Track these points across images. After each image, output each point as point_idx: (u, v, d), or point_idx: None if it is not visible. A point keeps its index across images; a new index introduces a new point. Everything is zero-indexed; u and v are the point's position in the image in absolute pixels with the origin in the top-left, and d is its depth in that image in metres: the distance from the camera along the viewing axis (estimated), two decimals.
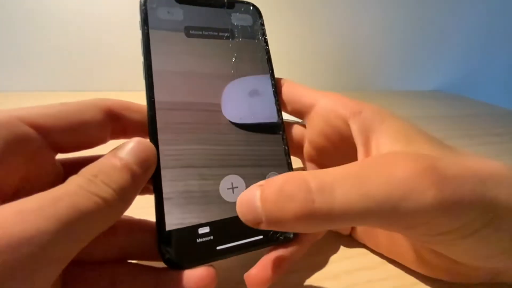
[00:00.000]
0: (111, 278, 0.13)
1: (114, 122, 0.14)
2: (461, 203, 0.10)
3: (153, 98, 0.14)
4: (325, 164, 0.18)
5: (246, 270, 0.14)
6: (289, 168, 0.16)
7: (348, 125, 0.15)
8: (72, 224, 0.09)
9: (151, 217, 0.13)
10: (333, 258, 0.18)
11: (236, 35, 0.17)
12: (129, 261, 0.14)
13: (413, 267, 0.17)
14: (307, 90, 0.18)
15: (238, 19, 0.17)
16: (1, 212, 0.09)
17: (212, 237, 0.14)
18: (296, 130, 0.19)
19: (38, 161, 0.12)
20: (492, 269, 0.15)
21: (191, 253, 0.13)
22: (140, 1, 0.15)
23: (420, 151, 0.12)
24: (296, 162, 0.17)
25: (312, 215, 0.10)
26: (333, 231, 0.20)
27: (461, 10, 0.65)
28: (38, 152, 0.12)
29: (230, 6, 0.18)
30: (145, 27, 0.15)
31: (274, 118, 0.17)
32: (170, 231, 0.13)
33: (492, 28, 0.69)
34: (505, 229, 0.11)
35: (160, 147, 0.14)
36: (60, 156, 0.13)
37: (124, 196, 0.11)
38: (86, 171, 0.11)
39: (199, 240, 0.13)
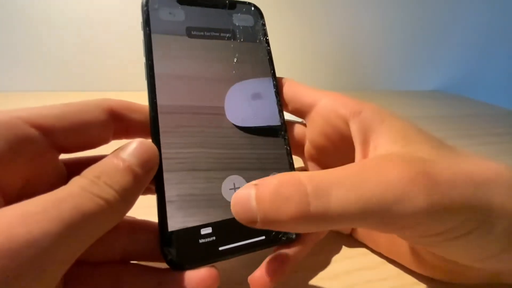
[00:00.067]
0: (113, 279, 0.13)
1: (117, 123, 0.14)
2: (450, 207, 0.10)
3: (155, 99, 0.14)
4: (325, 163, 0.18)
5: (248, 270, 0.15)
6: (291, 169, 0.16)
7: (348, 125, 0.15)
8: (76, 226, 0.09)
9: (154, 216, 0.13)
10: (333, 258, 0.19)
11: (238, 36, 0.17)
12: (131, 261, 0.14)
13: (412, 267, 0.17)
14: (308, 90, 0.18)
15: (239, 19, 0.18)
16: (4, 214, 0.09)
17: (214, 238, 0.14)
18: (297, 130, 0.19)
19: (41, 161, 0.12)
20: (491, 270, 0.15)
21: (194, 253, 0.13)
22: (142, 2, 0.15)
23: (418, 152, 0.12)
24: (297, 161, 0.17)
25: (307, 217, 0.10)
26: (334, 231, 0.20)
27: (461, 10, 0.65)
28: (41, 153, 0.12)
29: (232, 6, 0.18)
30: (147, 28, 0.15)
31: (275, 120, 0.17)
32: (172, 231, 0.13)
33: (492, 28, 0.69)
34: (499, 232, 0.11)
35: (162, 149, 0.14)
36: (63, 156, 0.14)
37: (127, 198, 0.11)
38: (88, 172, 0.11)
39: (201, 240, 0.13)
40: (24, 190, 0.12)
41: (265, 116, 0.17)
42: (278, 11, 0.52)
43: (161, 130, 0.14)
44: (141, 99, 0.16)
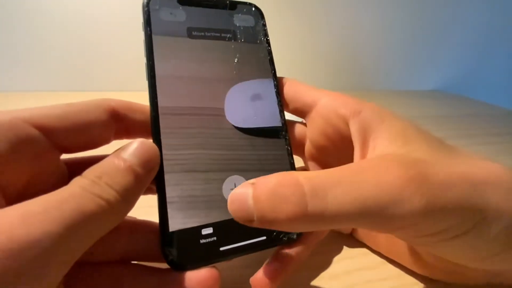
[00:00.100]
0: (114, 279, 0.13)
1: (118, 123, 0.14)
2: (445, 208, 0.11)
3: (156, 99, 0.14)
4: (326, 163, 0.18)
5: (249, 270, 0.15)
6: (292, 169, 0.16)
7: (348, 125, 0.15)
8: (77, 226, 0.09)
9: (154, 216, 0.14)
10: (334, 258, 0.19)
11: (238, 36, 0.17)
12: (132, 262, 0.14)
13: (411, 267, 0.17)
14: (308, 89, 0.18)
15: (240, 20, 0.18)
16: (6, 214, 0.09)
17: (215, 238, 0.14)
18: (298, 129, 0.19)
19: (43, 162, 0.12)
20: (490, 271, 0.15)
21: (194, 254, 0.13)
22: (143, 3, 0.15)
23: (416, 152, 0.12)
24: (297, 160, 0.17)
25: (304, 217, 0.10)
26: (334, 231, 0.20)
27: (461, 10, 0.65)
28: (43, 154, 0.12)
29: (232, 7, 0.18)
30: (148, 28, 0.15)
31: (276, 121, 0.17)
32: (173, 232, 0.13)
33: (492, 28, 0.69)
34: (495, 233, 0.11)
35: (163, 149, 0.14)
36: (64, 156, 0.14)
37: (128, 198, 0.11)
38: (90, 173, 0.11)
39: (202, 241, 0.13)
40: (26, 190, 0.12)
41: (266, 116, 0.17)
42: (278, 11, 0.52)
43: (162, 130, 0.14)
44: (142, 99, 0.16)
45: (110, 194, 0.11)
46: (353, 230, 0.20)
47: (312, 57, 0.58)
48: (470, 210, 0.11)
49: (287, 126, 0.17)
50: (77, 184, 0.11)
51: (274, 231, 0.15)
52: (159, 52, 0.15)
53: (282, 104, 0.18)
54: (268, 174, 0.16)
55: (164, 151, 0.14)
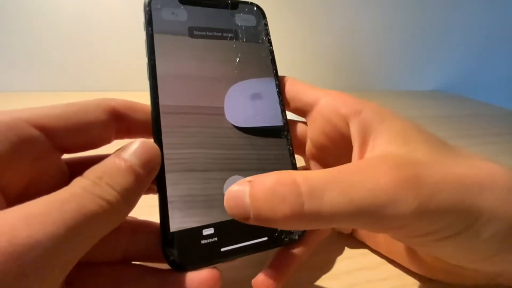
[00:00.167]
0: (114, 279, 0.13)
1: (119, 122, 0.14)
2: (437, 210, 0.11)
3: (157, 99, 0.14)
4: (327, 162, 0.18)
5: (250, 270, 0.15)
6: (293, 169, 0.16)
7: (348, 124, 0.16)
8: (78, 227, 0.09)
9: (155, 216, 0.13)
10: (334, 258, 0.19)
11: (240, 36, 0.17)
12: (133, 262, 0.14)
13: (410, 267, 0.17)
14: (309, 88, 0.18)
15: (241, 19, 0.17)
16: (7, 216, 0.09)
17: (216, 239, 0.14)
18: (298, 128, 0.19)
19: (44, 162, 0.12)
20: (488, 271, 0.15)
21: (195, 254, 0.13)
22: (144, 2, 0.15)
23: (415, 153, 0.12)
24: (298, 159, 0.17)
25: (300, 217, 0.10)
26: (335, 231, 0.20)
27: (461, 10, 0.65)
28: (44, 154, 0.12)
29: (234, 6, 0.17)
30: (149, 28, 0.15)
31: (278, 120, 0.17)
32: (174, 232, 0.13)
33: (492, 28, 0.69)
34: (489, 235, 0.11)
35: (164, 149, 0.14)
36: (65, 156, 0.13)
37: (128, 198, 0.11)
38: (90, 173, 0.11)
39: (203, 241, 0.13)
40: (26, 190, 0.11)
41: (268, 116, 0.17)
42: (278, 11, 0.52)
43: (163, 130, 0.14)
44: (143, 99, 0.16)
45: (111, 194, 0.11)
46: (353, 230, 0.20)
47: (313, 58, 0.58)
48: (463, 212, 0.11)
49: (289, 125, 0.17)
50: (78, 184, 0.11)
51: (275, 231, 0.15)
52: (160, 52, 0.15)
53: (284, 103, 0.17)
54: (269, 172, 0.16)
55: (165, 151, 0.14)
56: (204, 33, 0.16)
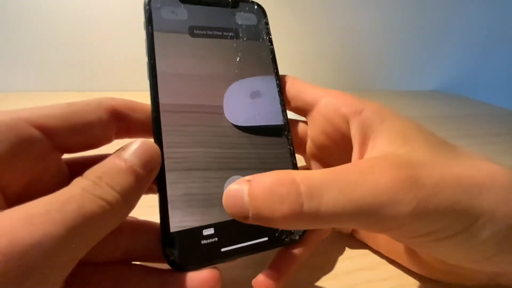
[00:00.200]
0: (115, 280, 0.13)
1: (119, 122, 0.14)
2: (435, 211, 0.11)
3: (157, 98, 0.14)
4: (327, 161, 0.18)
5: (251, 271, 0.15)
6: (294, 169, 0.16)
7: (349, 124, 0.15)
8: (79, 228, 0.09)
9: (156, 216, 0.13)
10: (334, 258, 0.19)
11: (241, 35, 0.17)
12: (133, 262, 0.14)
13: (410, 267, 0.17)
14: (310, 87, 0.18)
15: (242, 18, 0.17)
16: (8, 216, 0.09)
17: (216, 239, 0.14)
18: (299, 128, 0.19)
19: (44, 162, 0.12)
20: (488, 272, 0.15)
21: (196, 255, 0.13)
22: (144, 1, 0.15)
23: (414, 153, 0.12)
24: (299, 159, 0.17)
25: (300, 216, 0.10)
26: (335, 231, 0.20)
27: (461, 10, 0.65)
28: (44, 154, 0.12)
29: (235, 5, 0.17)
30: (149, 27, 0.15)
31: (279, 119, 0.17)
32: (174, 232, 0.13)
33: (492, 28, 0.69)
34: (488, 236, 0.11)
35: (164, 149, 0.14)
36: (65, 156, 0.13)
37: (129, 199, 0.11)
38: (90, 173, 0.11)
39: (203, 242, 0.13)
40: (26, 191, 0.11)
41: (269, 115, 0.17)
42: (278, 11, 0.52)
43: (163, 129, 0.14)
44: (143, 99, 0.15)
45: (111, 195, 0.11)
46: (354, 230, 0.20)
47: (313, 58, 0.58)
48: (462, 212, 0.11)
49: (289, 125, 0.17)
50: (78, 185, 0.11)
51: (276, 232, 0.15)
52: (160, 51, 0.15)
53: (285, 103, 0.17)
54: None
55: (165, 150, 0.14)
56: (204, 32, 0.16)
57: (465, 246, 0.12)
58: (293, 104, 0.18)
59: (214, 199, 0.14)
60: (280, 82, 0.18)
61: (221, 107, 0.16)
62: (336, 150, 0.17)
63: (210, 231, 0.14)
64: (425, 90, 0.70)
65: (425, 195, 0.11)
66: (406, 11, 0.61)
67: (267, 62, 0.17)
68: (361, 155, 0.15)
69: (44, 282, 0.09)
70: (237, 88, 0.16)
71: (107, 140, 0.14)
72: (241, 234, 0.14)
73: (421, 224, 0.11)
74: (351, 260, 0.19)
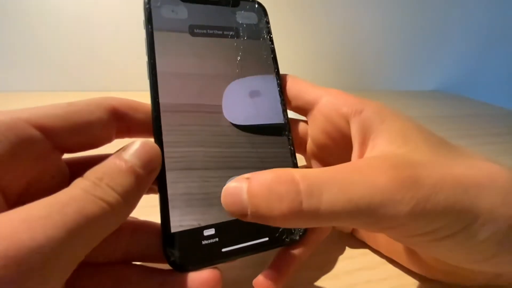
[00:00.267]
0: (115, 280, 0.13)
1: (119, 122, 0.14)
2: (433, 211, 0.11)
3: (158, 98, 0.14)
4: (327, 161, 0.18)
5: (251, 270, 0.15)
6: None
7: (349, 124, 0.15)
8: (79, 230, 0.09)
9: (156, 216, 0.13)
10: (334, 258, 0.19)
11: (241, 34, 0.17)
12: (133, 263, 0.14)
13: (410, 267, 0.17)
14: (310, 87, 0.17)
15: (243, 17, 0.17)
16: (8, 218, 0.09)
17: (217, 239, 0.14)
18: (299, 127, 0.19)
19: (44, 162, 0.12)
20: (488, 272, 0.15)
21: (196, 255, 0.13)
22: (144, 0, 0.15)
23: (414, 153, 0.12)
24: (299, 159, 0.17)
25: (299, 215, 0.10)
26: (335, 231, 0.20)
27: (461, 10, 0.65)
28: (44, 154, 0.12)
29: (235, 4, 0.17)
30: (149, 26, 0.15)
31: (279, 119, 0.17)
32: (175, 233, 0.13)
33: (492, 28, 0.69)
34: (487, 236, 0.11)
35: (165, 149, 0.14)
36: (65, 156, 0.13)
37: (129, 199, 0.11)
38: (91, 174, 0.11)
39: (204, 242, 0.13)
40: (27, 190, 0.11)
41: (269, 114, 0.17)
42: (278, 11, 0.52)
43: (163, 129, 0.14)
44: (143, 99, 0.15)
45: (111, 196, 0.11)
46: (354, 229, 0.20)
47: (313, 58, 0.58)
48: (461, 212, 0.11)
49: (290, 124, 0.17)
50: (78, 186, 0.11)
51: (276, 232, 0.15)
52: (160, 50, 0.15)
53: (285, 103, 0.17)
54: None
55: (166, 150, 0.14)
56: (204, 31, 0.16)
57: (464, 246, 0.12)
58: (293, 103, 0.18)
59: (215, 198, 0.14)
60: (281, 81, 0.17)
61: (221, 106, 0.16)
62: (337, 149, 0.17)
63: (211, 231, 0.14)
64: (425, 90, 0.70)
65: (423, 195, 0.11)
66: (406, 11, 0.61)
67: (268, 61, 0.17)
68: (361, 155, 0.15)
69: (44, 284, 0.09)
70: (236, 87, 0.16)
71: (107, 140, 0.14)
72: (241, 234, 0.14)
73: (419, 224, 0.11)
74: (351, 260, 0.19)
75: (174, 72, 0.15)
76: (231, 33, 0.17)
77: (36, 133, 0.11)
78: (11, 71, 0.42)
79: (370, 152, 0.14)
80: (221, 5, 0.17)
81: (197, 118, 0.15)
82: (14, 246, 0.08)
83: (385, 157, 0.12)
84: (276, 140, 0.16)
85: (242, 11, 0.17)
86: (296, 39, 0.55)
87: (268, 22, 0.18)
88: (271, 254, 0.15)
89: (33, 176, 0.12)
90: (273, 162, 0.16)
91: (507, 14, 0.68)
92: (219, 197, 0.14)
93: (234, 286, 0.16)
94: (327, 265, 0.18)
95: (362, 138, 0.15)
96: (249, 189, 0.11)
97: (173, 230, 0.13)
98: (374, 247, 0.19)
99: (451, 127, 0.46)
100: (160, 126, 0.14)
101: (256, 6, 0.18)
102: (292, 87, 0.18)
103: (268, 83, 0.17)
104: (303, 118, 0.19)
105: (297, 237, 0.15)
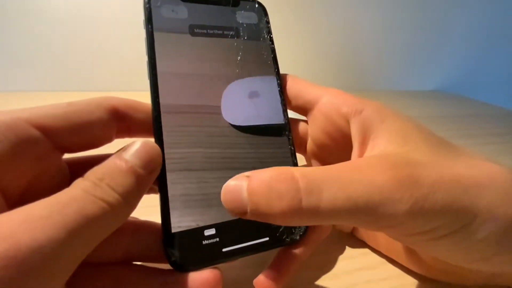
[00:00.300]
0: (116, 280, 0.13)
1: (119, 121, 0.14)
2: (432, 210, 0.11)
3: (158, 98, 0.14)
4: (328, 161, 0.18)
5: (252, 270, 0.15)
6: None
7: (349, 123, 0.15)
8: (80, 230, 0.09)
9: (157, 216, 0.13)
10: (334, 258, 0.19)
11: (241, 34, 0.17)
12: (134, 263, 0.14)
13: (410, 266, 0.17)
14: (310, 86, 0.17)
15: (243, 17, 0.17)
16: (9, 219, 0.09)
17: (218, 239, 0.14)
18: (300, 127, 0.19)
19: (44, 162, 0.12)
20: (488, 272, 0.15)
21: (197, 255, 0.13)
22: (144, 0, 0.15)
23: (414, 152, 0.12)
24: (300, 158, 0.17)
25: (298, 212, 0.10)
26: (335, 230, 0.20)
27: (461, 10, 0.65)
28: (44, 154, 0.12)
29: (235, 4, 0.17)
30: (149, 26, 0.15)
31: (279, 119, 0.17)
32: (175, 233, 0.13)
33: (492, 28, 0.69)
34: (486, 236, 0.11)
35: (166, 149, 0.14)
36: (66, 156, 0.13)
37: (130, 200, 0.11)
38: (91, 174, 0.11)
39: (204, 242, 0.13)
40: (27, 191, 0.11)
41: (270, 114, 0.17)
42: (278, 11, 0.52)
43: (164, 129, 0.14)
44: (143, 99, 0.15)
45: (112, 196, 0.11)
46: (354, 229, 0.20)
47: (313, 58, 0.58)
48: (460, 211, 0.11)
49: (290, 124, 0.17)
50: (79, 186, 0.11)
51: (277, 232, 0.15)
52: (160, 50, 0.15)
53: (286, 103, 0.17)
54: None
55: (166, 150, 0.14)
56: (205, 31, 0.16)
57: (462, 245, 0.12)
58: (293, 103, 0.18)
59: (215, 199, 0.14)
60: (281, 81, 0.17)
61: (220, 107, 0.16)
62: (337, 149, 0.17)
63: (212, 231, 0.14)
64: (425, 90, 0.70)
65: (422, 194, 0.11)
66: (406, 11, 0.61)
67: (268, 61, 0.17)
68: (361, 155, 0.15)
69: (45, 285, 0.09)
70: (236, 88, 0.16)
71: (107, 140, 0.14)
72: (242, 234, 0.14)
73: (418, 222, 0.11)
74: (351, 260, 0.19)
75: (174, 72, 0.15)
76: (231, 33, 0.17)
77: (36, 133, 0.11)
78: (11, 71, 0.42)
79: (370, 151, 0.14)
80: (221, 5, 0.17)
81: (198, 119, 0.15)
82: (14, 247, 0.08)
83: (385, 156, 0.12)
84: (276, 140, 0.16)
85: (242, 11, 0.17)
86: (296, 39, 0.55)
87: (268, 22, 0.18)
88: (271, 254, 0.15)
89: (34, 176, 0.12)
90: (273, 162, 0.16)
91: (507, 14, 0.68)
92: (219, 196, 0.14)
93: (234, 286, 0.16)
94: (327, 265, 0.18)
95: (362, 137, 0.15)
96: (249, 186, 0.11)
97: (173, 230, 0.13)
98: (374, 247, 0.19)
99: (451, 127, 0.46)
100: (161, 126, 0.14)
101: (256, 6, 0.18)
102: (292, 87, 0.18)
103: (268, 83, 0.17)
104: (303, 118, 0.19)
105: (298, 237, 0.15)
